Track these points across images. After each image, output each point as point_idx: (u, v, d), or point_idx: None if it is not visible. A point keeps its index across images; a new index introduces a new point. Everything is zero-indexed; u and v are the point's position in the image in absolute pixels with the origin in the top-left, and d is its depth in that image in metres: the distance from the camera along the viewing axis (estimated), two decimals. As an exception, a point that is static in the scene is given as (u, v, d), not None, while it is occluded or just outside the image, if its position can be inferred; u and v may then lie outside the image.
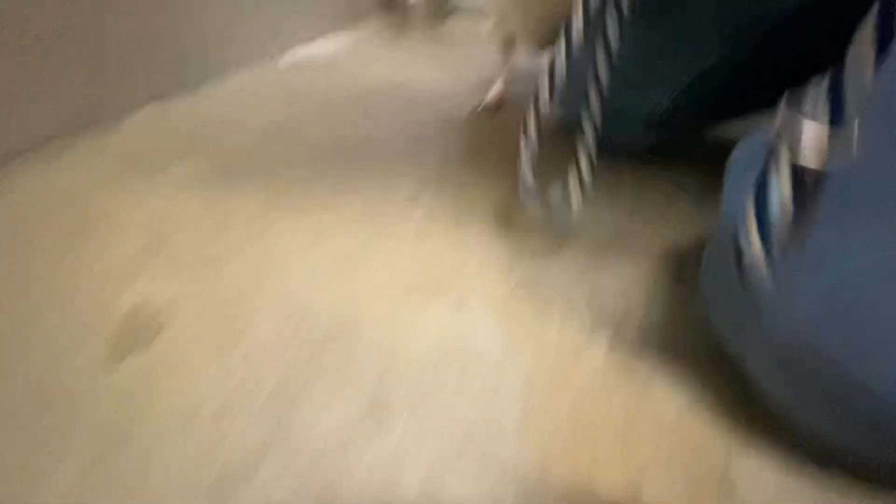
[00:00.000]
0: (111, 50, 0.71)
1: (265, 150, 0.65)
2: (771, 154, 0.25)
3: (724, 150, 0.68)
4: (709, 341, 0.34)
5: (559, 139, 0.50)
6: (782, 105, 0.25)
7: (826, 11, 0.44)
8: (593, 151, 0.44)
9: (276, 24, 1.07)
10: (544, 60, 0.71)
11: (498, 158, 0.65)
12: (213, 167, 0.61)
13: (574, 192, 0.44)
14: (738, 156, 0.36)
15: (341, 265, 0.45)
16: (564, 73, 0.41)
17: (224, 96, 0.85)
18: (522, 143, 0.45)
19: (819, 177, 0.22)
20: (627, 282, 0.44)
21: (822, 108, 0.23)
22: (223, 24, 0.92)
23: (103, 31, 0.70)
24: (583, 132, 0.43)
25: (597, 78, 0.41)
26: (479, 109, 0.80)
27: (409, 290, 0.41)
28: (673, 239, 0.51)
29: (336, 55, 1.09)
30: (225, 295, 0.41)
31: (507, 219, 0.50)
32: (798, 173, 0.23)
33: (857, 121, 0.22)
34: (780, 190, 0.24)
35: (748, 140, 0.35)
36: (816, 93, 0.24)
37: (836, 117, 0.23)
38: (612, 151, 0.63)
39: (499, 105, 0.80)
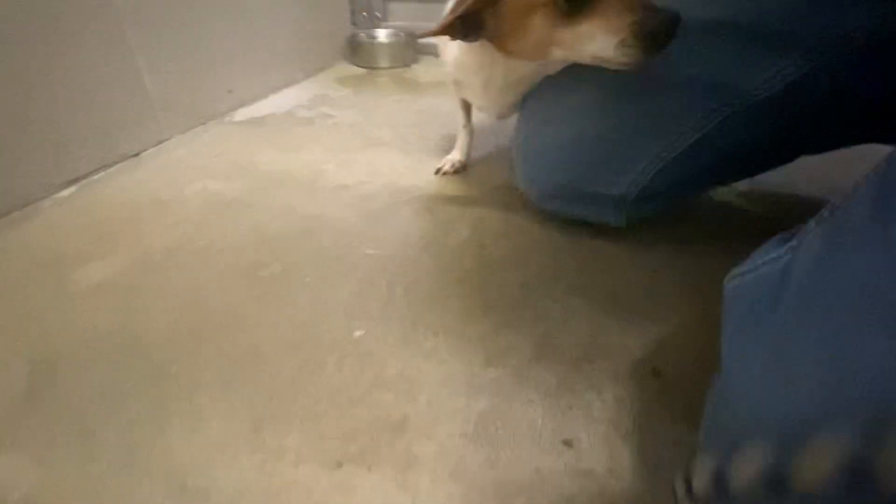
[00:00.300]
0: (21, 128, 0.64)
1: (194, 242, 0.57)
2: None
3: (702, 226, 0.62)
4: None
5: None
6: None
7: (795, 99, 0.40)
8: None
9: (230, 81, 1.00)
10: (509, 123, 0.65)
11: (457, 245, 0.58)
12: (129, 270, 0.52)
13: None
14: (736, 291, 0.29)
15: (253, 424, 0.36)
16: None
17: (167, 165, 0.77)
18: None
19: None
20: (606, 418, 0.37)
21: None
22: (171, 86, 0.85)
23: (7, 107, 0.62)
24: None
25: None
26: (440, 174, 0.74)
27: (338, 458, 0.33)
28: (655, 339, 0.44)
29: (294, 110, 1.02)
30: (99, 481, 0.32)
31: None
32: None
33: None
34: None
35: (747, 271, 0.29)
36: None
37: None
38: (589, 228, 0.59)
39: (459, 170, 0.74)
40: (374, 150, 0.83)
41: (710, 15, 0.39)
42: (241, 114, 1.00)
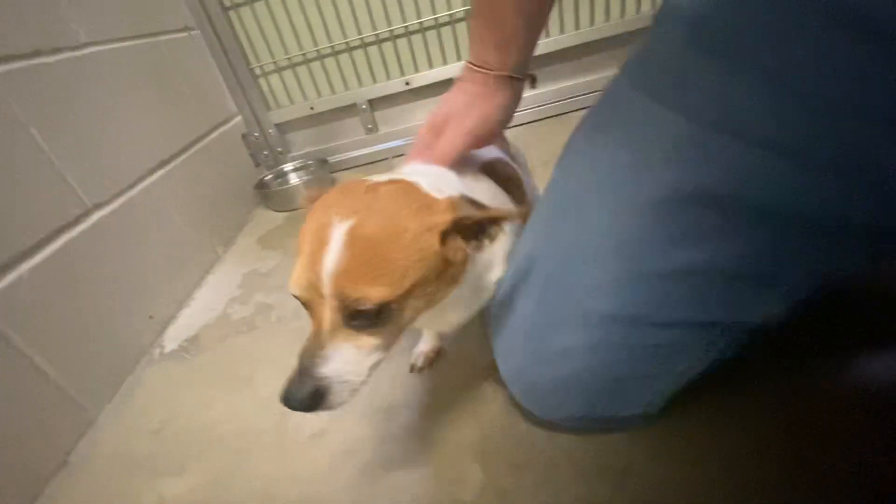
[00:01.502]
0: None
1: None
2: None
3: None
4: None
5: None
6: None
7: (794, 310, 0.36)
8: None
9: (146, 303, 0.88)
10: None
11: (475, 500, 0.49)
12: None
13: None
14: None
15: None
16: None
17: (104, 468, 0.65)
18: None
19: None
20: None
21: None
22: (77, 354, 0.72)
23: None
24: None
25: None
26: (415, 371, 0.66)
27: None
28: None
29: (228, 310, 0.91)
30: None
31: None
32: None
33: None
34: None
35: None
36: None
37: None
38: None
39: (435, 360, 0.66)
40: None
41: (688, 262, 0.34)
42: (171, 337, 0.88)
